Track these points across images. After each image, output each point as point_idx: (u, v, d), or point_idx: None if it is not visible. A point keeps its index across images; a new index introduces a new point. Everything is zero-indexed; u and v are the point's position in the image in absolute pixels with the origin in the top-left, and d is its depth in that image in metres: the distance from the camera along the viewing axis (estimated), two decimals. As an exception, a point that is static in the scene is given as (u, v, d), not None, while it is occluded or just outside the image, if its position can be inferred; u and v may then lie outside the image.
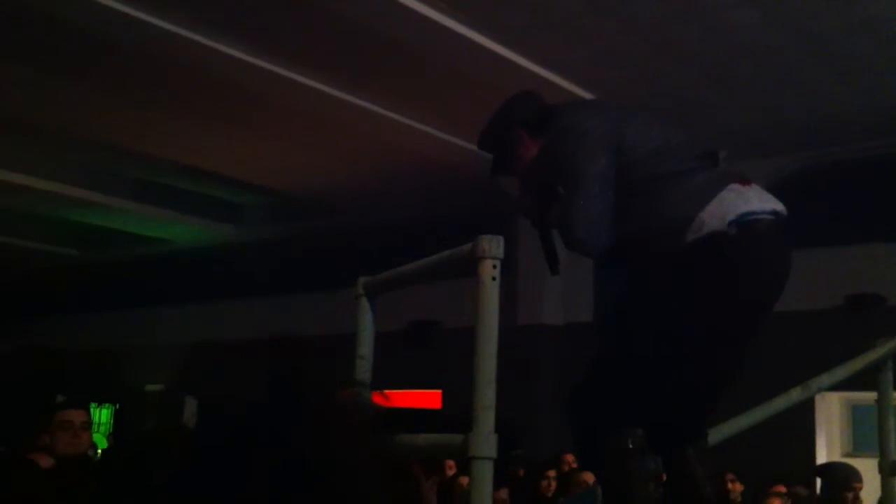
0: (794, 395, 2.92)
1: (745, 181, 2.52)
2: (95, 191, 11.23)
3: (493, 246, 2.19)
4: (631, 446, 2.32)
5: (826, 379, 3.01)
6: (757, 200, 2.47)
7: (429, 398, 10.32)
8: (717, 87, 7.65)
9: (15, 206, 11.77)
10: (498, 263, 2.19)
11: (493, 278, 2.19)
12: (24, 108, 8.76)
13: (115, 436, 11.93)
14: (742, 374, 2.59)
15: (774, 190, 2.66)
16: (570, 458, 5.89)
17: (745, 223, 2.41)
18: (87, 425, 3.89)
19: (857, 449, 8.25)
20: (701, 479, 2.49)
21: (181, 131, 9.20)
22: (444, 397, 10.22)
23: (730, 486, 6.16)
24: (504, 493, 4.88)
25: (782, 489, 5.00)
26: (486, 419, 2.19)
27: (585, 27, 6.71)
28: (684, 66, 7.29)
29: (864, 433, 8.29)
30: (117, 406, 13.22)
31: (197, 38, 6.89)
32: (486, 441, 2.18)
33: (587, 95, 7.54)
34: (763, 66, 7.26)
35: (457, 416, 2.36)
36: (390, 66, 7.39)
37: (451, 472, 6.00)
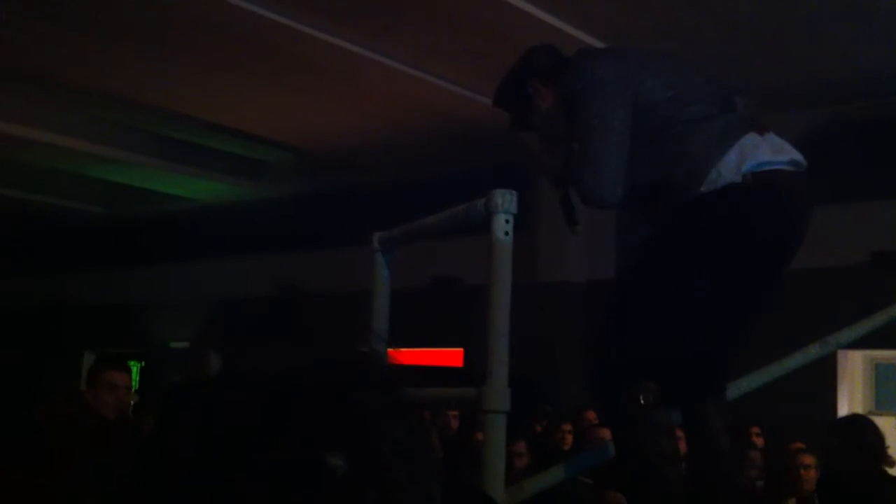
0: (813, 350, 2.90)
1: (763, 129, 2.47)
2: (120, 148, 11.27)
3: (505, 200, 2.17)
4: (643, 401, 2.31)
5: (845, 335, 2.98)
6: (771, 151, 2.42)
7: (451, 356, 10.35)
8: (747, 39, 7.51)
9: (40, 163, 11.85)
10: (511, 218, 2.18)
11: (506, 233, 2.18)
12: (48, 64, 8.77)
13: (140, 393, 12.08)
14: (760, 327, 2.56)
15: (802, 143, 2.60)
16: (591, 415, 5.90)
17: (760, 174, 2.38)
18: (130, 389, 3.94)
19: (879, 406, 8.21)
20: (719, 432, 2.47)
21: (205, 88, 9.19)
22: (466, 355, 10.24)
23: (753, 439, 6.16)
24: (522, 447, 4.91)
25: (801, 446, 5.00)
26: (500, 373, 2.20)
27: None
28: (712, 18, 7.16)
29: (886, 391, 8.25)
30: (143, 363, 13.37)
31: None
32: (500, 395, 2.18)
33: (610, 50, 7.43)
34: (795, 18, 7.11)
35: (479, 374, 2.35)
36: (412, 20, 7.32)
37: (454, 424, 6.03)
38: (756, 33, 7.41)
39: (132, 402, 4.13)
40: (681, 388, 2.48)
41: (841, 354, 8.05)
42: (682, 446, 2.63)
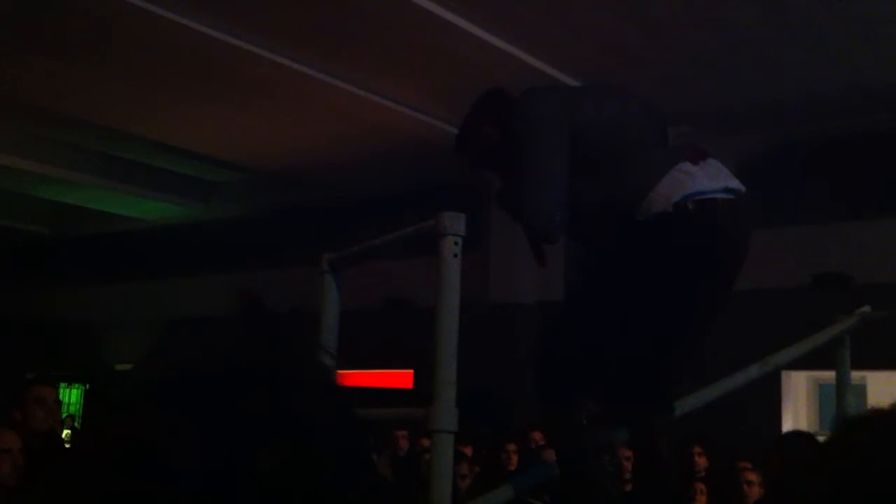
0: (753, 371, 2.95)
1: (699, 157, 2.53)
2: (68, 168, 11.10)
3: (454, 223, 2.19)
4: (584, 420, 2.35)
5: (784, 355, 3.05)
6: (706, 179, 2.47)
7: (401, 378, 10.32)
8: (690, 65, 7.67)
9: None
10: (459, 240, 2.20)
11: (455, 255, 2.20)
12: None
13: (83, 417, 11.83)
14: (704, 347, 2.62)
15: (744, 169, 2.68)
16: (537, 435, 5.93)
17: (694, 203, 2.43)
18: (59, 403, 3.96)
19: (823, 427, 8.36)
20: (663, 450, 2.51)
21: (154, 108, 9.12)
22: (416, 377, 10.22)
23: (696, 458, 6.25)
24: (465, 468, 4.90)
25: (748, 465, 5.07)
26: (448, 394, 2.22)
27: (559, 4, 6.71)
28: (657, 44, 7.31)
29: (830, 411, 8.40)
30: (87, 386, 13.10)
31: (168, 13, 6.82)
32: (446, 415, 2.20)
33: (559, 73, 7.55)
34: (734, 43, 7.28)
35: (429, 396, 2.37)
36: (363, 41, 7.36)
37: (403, 444, 6.03)
38: (699, 59, 7.58)
39: (72, 426, 4.13)
40: (628, 407, 2.52)
41: (785, 375, 8.19)
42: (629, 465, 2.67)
